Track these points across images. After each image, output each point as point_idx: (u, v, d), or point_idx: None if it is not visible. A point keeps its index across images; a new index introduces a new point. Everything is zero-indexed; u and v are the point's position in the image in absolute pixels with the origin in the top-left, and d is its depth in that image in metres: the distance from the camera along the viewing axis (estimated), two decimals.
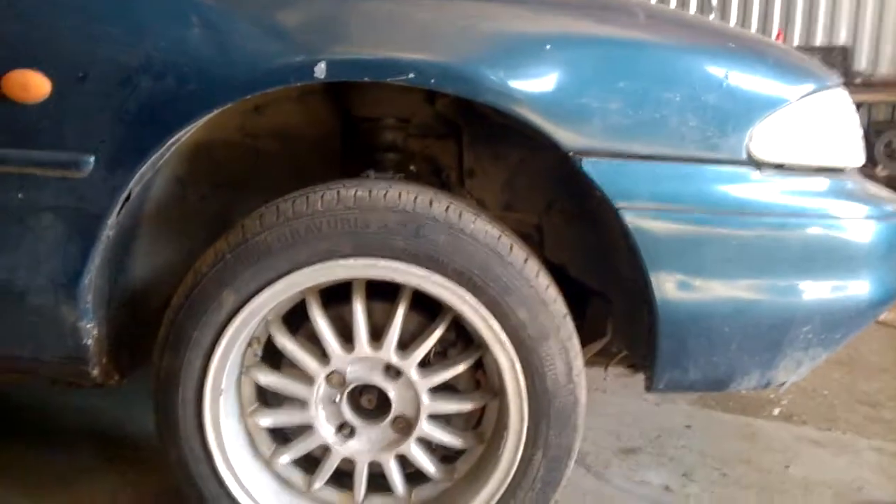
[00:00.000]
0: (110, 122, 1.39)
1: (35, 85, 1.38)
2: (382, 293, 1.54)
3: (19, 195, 1.43)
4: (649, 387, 1.55)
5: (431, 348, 1.53)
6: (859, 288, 1.51)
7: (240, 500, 1.53)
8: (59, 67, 1.39)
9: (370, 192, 1.42)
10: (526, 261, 1.45)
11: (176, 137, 1.41)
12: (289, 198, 1.45)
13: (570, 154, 1.41)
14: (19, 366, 1.55)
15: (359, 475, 1.57)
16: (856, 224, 1.50)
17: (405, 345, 1.53)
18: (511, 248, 1.44)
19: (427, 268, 1.41)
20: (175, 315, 1.46)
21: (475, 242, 1.41)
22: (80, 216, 1.43)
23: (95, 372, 1.52)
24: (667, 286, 1.44)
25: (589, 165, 1.41)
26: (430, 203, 1.42)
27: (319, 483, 1.59)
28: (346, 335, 1.53)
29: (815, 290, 1.49)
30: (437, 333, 1.51)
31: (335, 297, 1.55)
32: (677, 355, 1.49)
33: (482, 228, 1.43)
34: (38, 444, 2.15)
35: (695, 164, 1.43)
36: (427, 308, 1.56)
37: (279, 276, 1.43)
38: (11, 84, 1.38)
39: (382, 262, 1.42)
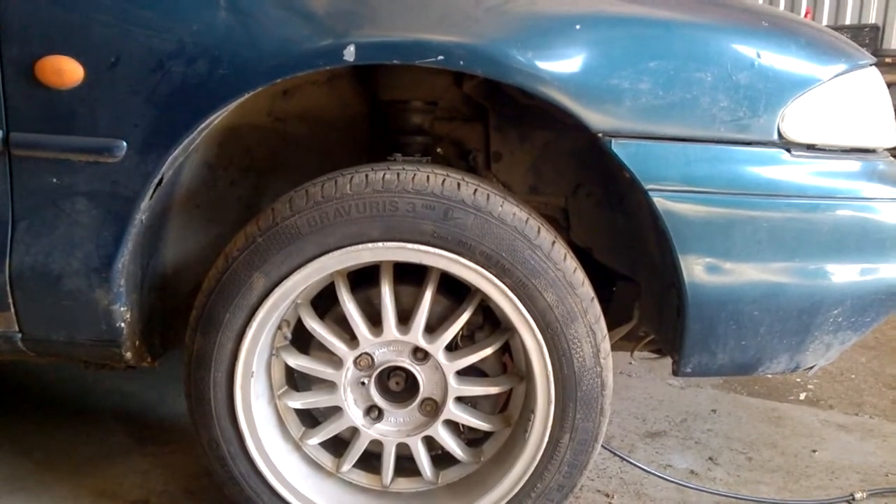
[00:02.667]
0: (142, 108, 1.40)
1: (68, 70, 1.39)
2: (409, 276, 1.54)
3: (53, 180, 1.44)
4: (676, 371, 1.54)
5: (459, 331, 1.54)
6: (891, 270, 1.50)
7: (270, 480, 1.55)
8: (92, 53, 1.39)
9: (398, 175, 1.43)
10: (553, 243, 1.45)
11: (207, 122, 1.41)
12: (318, 181, 1.45)
13: (599, 135, 1.40)
14: (54, 349, 1.56)
15: (387, 457, 1.59)
16: (887, 206, 1.49)
17: (432, 328, 1.54)
18: (538, 230, 1.44)
19: (455, 251, 1.42)
20: (206, 298, 1.48)
21: (503, 225, 1.41)
22: (113, 201, 1.44)
23: (128, 355, 1.54)
24: (696, 269, 1.43)
25: (618, 147, 1.40)
26: (458, 186, 1.42)
27: (348, 465, 1.61)
28: (373, 318, 1.54)
29: (846, 273, 1.48)
30: (465, 317, 1.52)
31: (362, 279, 1.57)
32: (706, 339, 1.48)
33: (510, 211, 1.43)
34: (69, 426, 2.18)
35: (726, 145, 1.42)
36: (454, 291, 1.57)
37: (309, 260, 1.44)
38: (45, 70, 1.39)
39: (410, 246, 1.42)
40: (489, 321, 1.60)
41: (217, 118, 1.43)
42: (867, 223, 1.47)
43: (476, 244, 1.41)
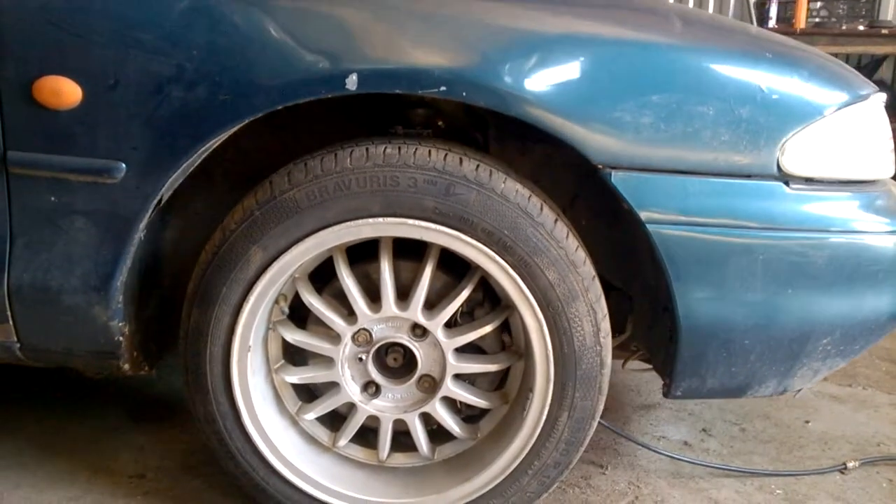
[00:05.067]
0: (142, 131, 1.39)
1: (66, 91, 1.37)
2: (408, 251, 1.52)
3: (52, 198, 1.43)
4: (667, 393, 1.56)
5: (458, 308, 1.52)
6: (881, 301, 1.51)
7: (266, 454, 1.54)
8: (90, 75, 1.37)
9: (399, 149, 1.40)
10: (556, 221, 1.43)
11: (208, 146, 1.40)
12: (317, 154, 1.43)
13: (600, 167, 1.39)
14: (52, 358, 1.57)
15: (383, 433, 1.58)
16: (882, 239, 1.48)
17: (432, 304, 1.53)
18: (541, 208, 1.42)
19: (456, 228, 1.40)
20: (203, 272, 1.46)
21: (505, 202, 1.39)
22: (112, 220, 1.43)
23: (126, 366, 1.55)
24: (690, 297, 1.44)
25: (618, 179, 1.39)
26: (461, 162, 1.40)
27: (344, 440, 1.61)
28: (371, 292, 1.52)
29: (838, 304, 1.49)
30: (465, 294, 1.50)
31: (361, 253, 1.54)
32: (696, 365, 1.50)
33: (513, 188, 1.41)
34: (66, 402, 2.17)
35: (725, 178, 1.41)
36: (453, 267, 1.55)
37: (307, 234, 1.41)
38: (43, 90, 1.37)
39: (411, 222, 1.40)
40: (489, 298, 1.59)
41: (218, 142, 1.41)
42: (861, 255, 1.47)
43: (478, 221, 1.39)
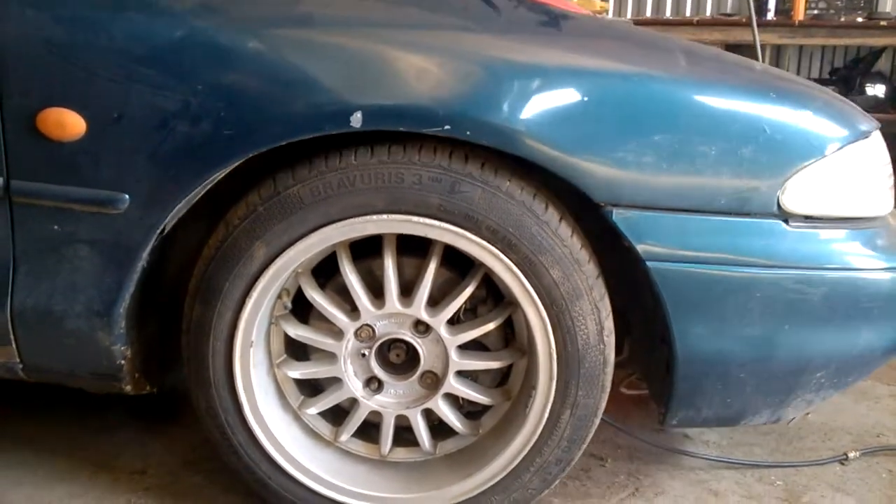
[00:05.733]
0: (146, 164, 1.39)
1: (70, 123, 1.37)
2: (412, 247, 1.52)
3: (55, 227, 1.44)
4: (662, 422, 1.58)
5: (461, 305, 1.52)
6: (876, 337, 1.52)
7: (268, 448, 1.54)
8: (94, 107, 1.37)
9: (404, 146, 1.39)
10: (560, 220, 1.42)
11: (212, 179, 1.40)
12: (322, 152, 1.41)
13: (602, 205, 1.40)
14: (55, 378, 1.59)
15: (386, 428, 1.59)
16: (878, 276, 1.49)
17: (435, 301, 1.52)
18: (546, 206, 1.41)
19: (461, 225, 1.39)
20: (206, 266, 1.45)
21: (511, 200, 1.39)
22: (115, 249, 1.44)
23: (128, 388, 1.56)
24: (688, 332, 1.45)
25: (619, 217, 1.40)
26: (466, 159, 1.39)
27: (346, 435, 1.61)
28: (374, 288, 1.52)
29: (834, 339, 1.50)
30: (468, 291, 1.50)
31: (364, 249, 1.54)
32: (692, 397, 1.52)
33: (518, 186, 1.40)
34: (66, 400, 2.16)
35: (725, 216, 1.42)
36: (456, 263, 1.54)
37: (311, 230, 1.41)
38: (46, 121, 1.37)
39: (416, 219, 1.39)
40: (492, 295, 1.59)
41: (222, 175, 1.41)
42: (858, 292, 1.48)
43: (483, 219, 1.39)
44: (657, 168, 1.38)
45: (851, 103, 1.62)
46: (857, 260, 1.48)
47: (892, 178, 1.59)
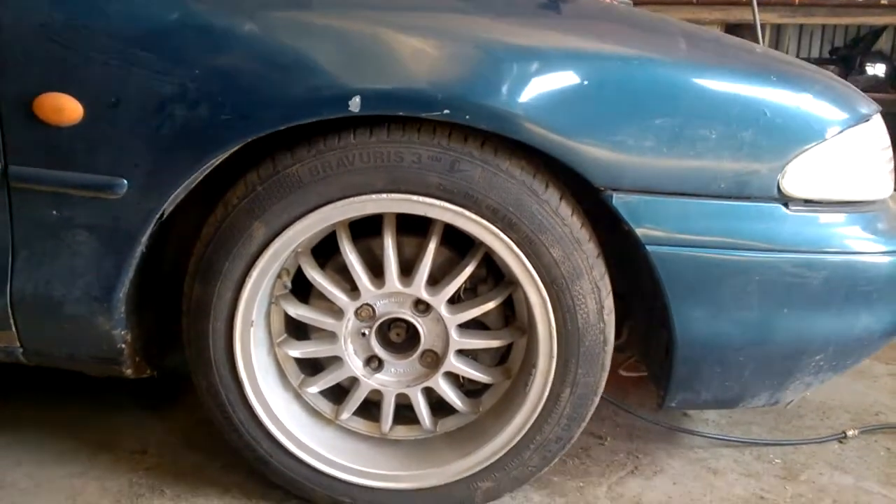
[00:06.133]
0: (144, 148, 1.38)
1: (68, 109, 1.36)
2: (412, 227, 1.52)
3: (53, 212, 1.43)
4: (661, 405, 1.59)
5: (462, 284, 1.52)
6: (874, 320, 1.53)
7: (269, 427, 1.55)
8: (92, 92, 1.37)
9: (403, 126, 1.38)
10: (561, 199, 1.42)
11: (210, 164, 1.39)
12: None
13: (602, 189, 1.39)
14: (55, 362, 1.60)
15: (386, 407, 1.59)
16: (877, 259, 1.49)
17: (435, 280, 1.52)
18: (547, 185, 1.41)
19: (461, 204, 1.39)
20: (205, 247, 1.45)
21: (511, 179, 1.39)
22: (114, 234, 1.43)
23: (129, 371, 1.56)
24: (687, 316, 1.45)
25: (619, 201, 1.39)
26: (466, 138, 1.39)
27: (347, 413, 1.61)
28: (374, 267, 1.52)
29: (832, 323, 1.50)
30: (468, 270, 1.50)
31: (364, 228, 1.54)
32: (691, 379, 1.53)
33: (518, 165, 1.40)
34: (66, 380, 2.15)
35: (725, 200, 1.41)
36: (456, 242, 1.54)
37: (310, 210, 1.41)
38: (44, 107, 1.37)
39: (416, 198, 1.39)
40: (492, 274, 1.59)
41: (220, 160, 1.40)
42: (857, 276, 1.48)
43: (483, 197, 1.39)
44: (657, 152, 1.38)
45: (852, 86, 1.61)
46: (857, 244, 1.48)
47: (893, 161, 1.59)
